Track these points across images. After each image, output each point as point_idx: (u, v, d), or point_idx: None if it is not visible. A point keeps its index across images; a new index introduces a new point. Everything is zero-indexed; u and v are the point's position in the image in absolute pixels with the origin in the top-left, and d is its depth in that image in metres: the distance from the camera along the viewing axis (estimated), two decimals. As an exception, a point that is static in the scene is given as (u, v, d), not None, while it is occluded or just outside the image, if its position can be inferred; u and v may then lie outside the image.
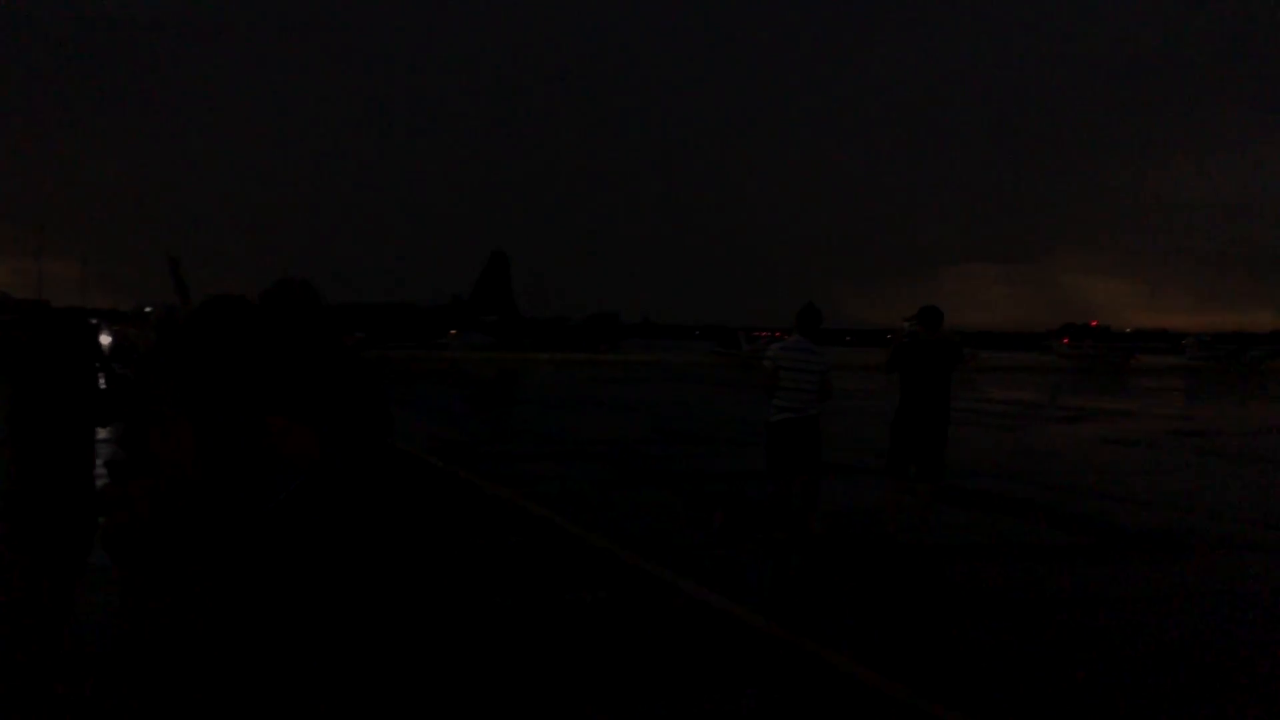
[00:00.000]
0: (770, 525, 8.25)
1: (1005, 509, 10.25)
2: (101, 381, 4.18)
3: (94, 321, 4.42)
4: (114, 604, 2.93)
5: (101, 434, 4.24)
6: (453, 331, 71.41)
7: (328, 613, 2.85)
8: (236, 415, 2.71)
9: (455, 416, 21.84)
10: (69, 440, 3.96)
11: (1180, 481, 13.07)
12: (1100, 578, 7.58)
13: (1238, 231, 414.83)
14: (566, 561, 7.49)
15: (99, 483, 3.71)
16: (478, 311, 78.89)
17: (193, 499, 2.64)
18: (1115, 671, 5.40)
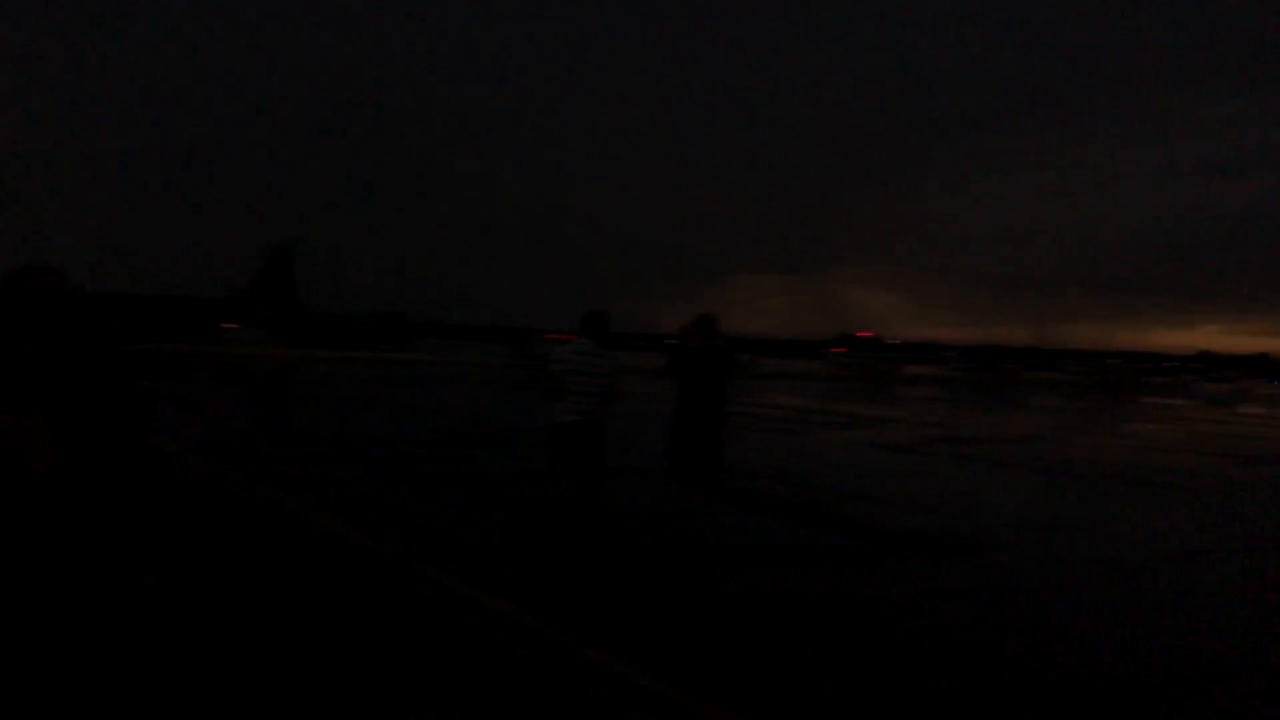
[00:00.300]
0: (553, 528, 8.25)
1: (780, 511, 10.60)
2: None
3: None
4: None
5: None
6: (229, 325, 68.46)
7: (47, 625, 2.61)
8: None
9: (228, 415, 20.84)
10: None
11: (941, 486, 13.85)
12: (866, 578, 7.93)
13: (1000, 252, 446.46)
14: (342, 569, 7.24)
15: None
16: (257, 306, 75.94)
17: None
18: (883, 669, 5.64)
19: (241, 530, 8.35)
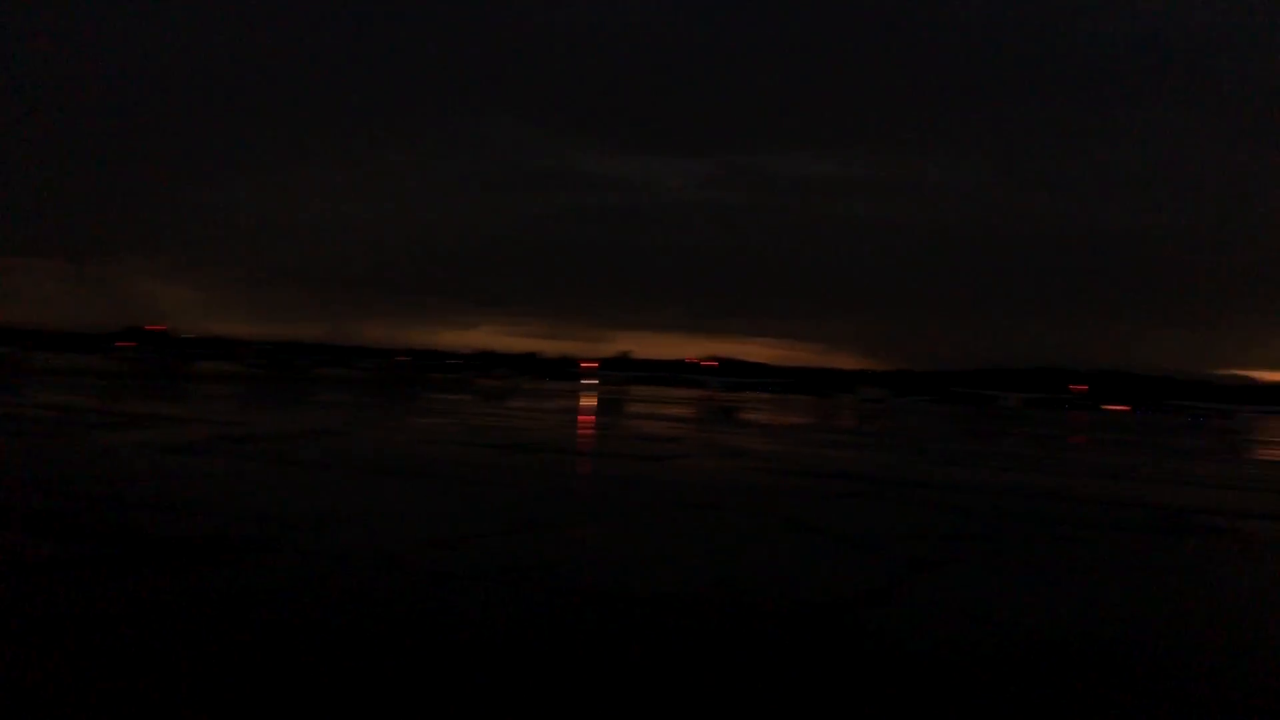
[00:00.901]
0: None
1: (22, 524, 9.28)
2: None
3: None
4: None
5: None
6: None
7: None
8: None
9: None
10: None
11: (221, 486, 13.28)
12: (115, 588, 7.16)
13: (300, 249, 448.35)
14: None
15: None
16: None
17: None
18: (118, 685, 5.08)
19: None
